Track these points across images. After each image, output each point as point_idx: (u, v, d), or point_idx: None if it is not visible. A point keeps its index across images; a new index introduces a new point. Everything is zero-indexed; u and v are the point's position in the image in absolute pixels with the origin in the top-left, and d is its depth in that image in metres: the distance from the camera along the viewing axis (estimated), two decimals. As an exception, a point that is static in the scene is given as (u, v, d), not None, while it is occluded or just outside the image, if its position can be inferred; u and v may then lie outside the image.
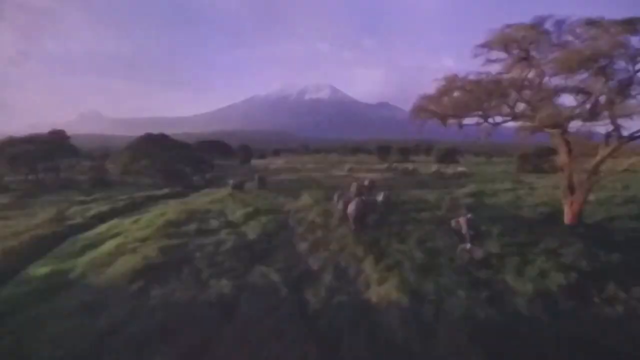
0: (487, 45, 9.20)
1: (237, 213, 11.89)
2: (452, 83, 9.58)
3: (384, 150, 57.17)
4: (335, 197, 11.88)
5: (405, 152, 56.39)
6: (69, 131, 35.21)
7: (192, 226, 10.22)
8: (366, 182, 15.18)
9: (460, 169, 23.74)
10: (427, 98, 10.44)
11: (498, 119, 10.25)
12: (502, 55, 9.23)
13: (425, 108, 10.54)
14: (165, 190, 19.38)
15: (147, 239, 8.92)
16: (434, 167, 27.29)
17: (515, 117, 9.67)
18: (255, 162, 49.72)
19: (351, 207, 9.30)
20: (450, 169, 24.58)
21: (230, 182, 17.80)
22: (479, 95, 8.94)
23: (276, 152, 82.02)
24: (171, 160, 27.79)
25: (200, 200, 15.73)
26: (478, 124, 10.18)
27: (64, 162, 31.35)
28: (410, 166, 29.61)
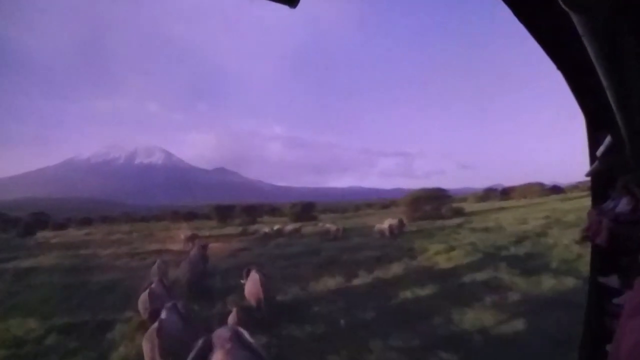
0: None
1: None
2: None
3: (224, 212, 43.18)
4: (143, 307, 5.89)
5: (252, 212, 44.42)
6: None
7: None
8: (193, 250, 9.67)
9: (390, 223, 13.89)
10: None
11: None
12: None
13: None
14: None
15: None
16: (331, 225, 16.25)
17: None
18: (47, 234, 37.07)
19: None
20: (384, 224, 14.30)
21: None
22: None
23: (86, 221, 59.79)
24: None
25: None
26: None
27: None
28: (288, 226, 17.57)
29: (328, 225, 16.04)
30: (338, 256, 10.81)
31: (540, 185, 47.72)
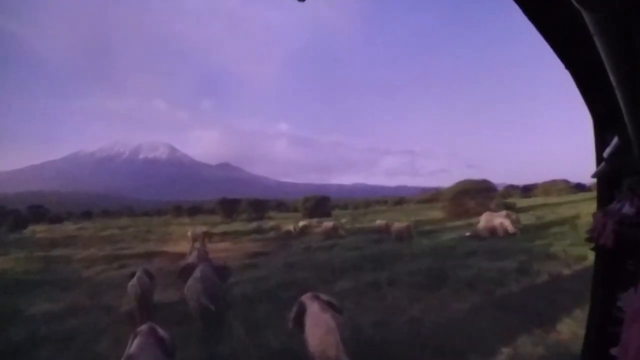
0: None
1: None
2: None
3: (229, 206, 39.67)
4: None
5: (259, 207, 40.90)
6: None
7: None
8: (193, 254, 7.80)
9: (501, 220, 10.26)
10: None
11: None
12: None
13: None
14: None
15: None
16: (396, 223, 12.52)
17: None
18: (37, 228, 35.01)
19: None
20: (494, 221, 10.60)
21: None
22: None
23: (86, 215, 60.12)
24: None
25: None
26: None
27: None
28: (325, 222, 14.04)
29: (379, 222, 12.50)
30: (432, 268, 7.23)
31: (566, 182, 45.24)
